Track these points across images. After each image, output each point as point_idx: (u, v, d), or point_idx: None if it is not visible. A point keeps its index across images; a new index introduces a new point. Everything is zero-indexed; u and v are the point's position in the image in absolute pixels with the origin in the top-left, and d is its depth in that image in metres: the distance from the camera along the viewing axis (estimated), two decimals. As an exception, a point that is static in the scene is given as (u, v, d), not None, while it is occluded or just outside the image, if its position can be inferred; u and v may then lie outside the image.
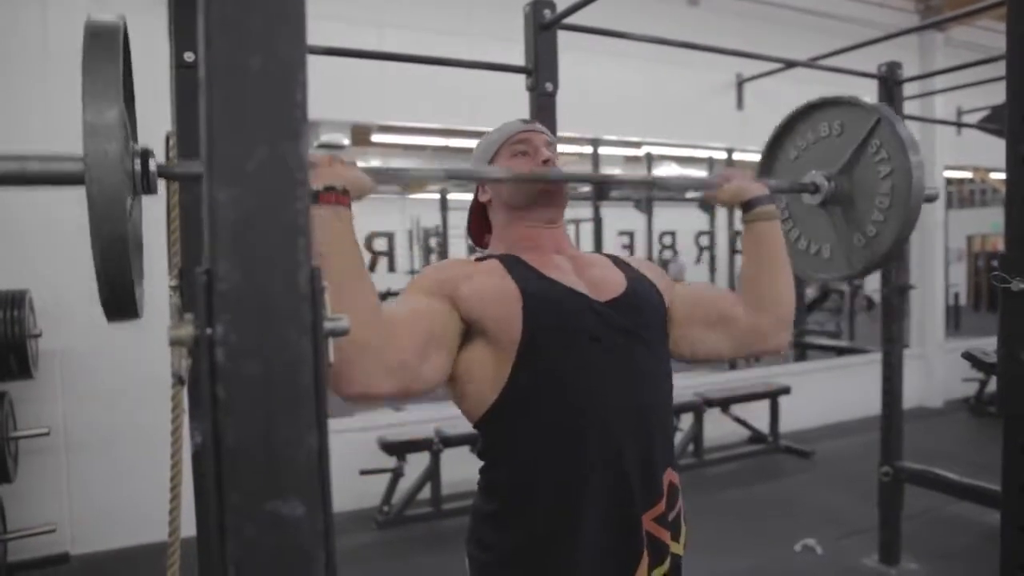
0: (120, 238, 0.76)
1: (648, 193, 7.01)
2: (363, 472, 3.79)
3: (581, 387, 1.09)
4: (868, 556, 3.26)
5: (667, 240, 7.70)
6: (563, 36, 2.30)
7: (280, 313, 0.55)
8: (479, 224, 1.37)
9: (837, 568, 3.22)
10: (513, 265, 1.17)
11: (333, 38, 4.06)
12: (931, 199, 1.53)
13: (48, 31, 3.28)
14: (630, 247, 8.19)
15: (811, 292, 10.35)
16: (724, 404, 4.73)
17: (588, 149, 5.56)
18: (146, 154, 0.86)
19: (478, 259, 1.22)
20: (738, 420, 4.83)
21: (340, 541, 3.69)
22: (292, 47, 0.57)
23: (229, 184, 0.55)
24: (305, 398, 0.56)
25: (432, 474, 3.84)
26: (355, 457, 3.89)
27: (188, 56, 1.86)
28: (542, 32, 2.29)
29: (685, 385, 5.06)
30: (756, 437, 4.95)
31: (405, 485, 3.88)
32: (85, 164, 0.74)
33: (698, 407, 4.58)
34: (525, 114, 2.24)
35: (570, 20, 2.30)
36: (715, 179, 1.40)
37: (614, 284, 1.20)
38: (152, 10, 2.19)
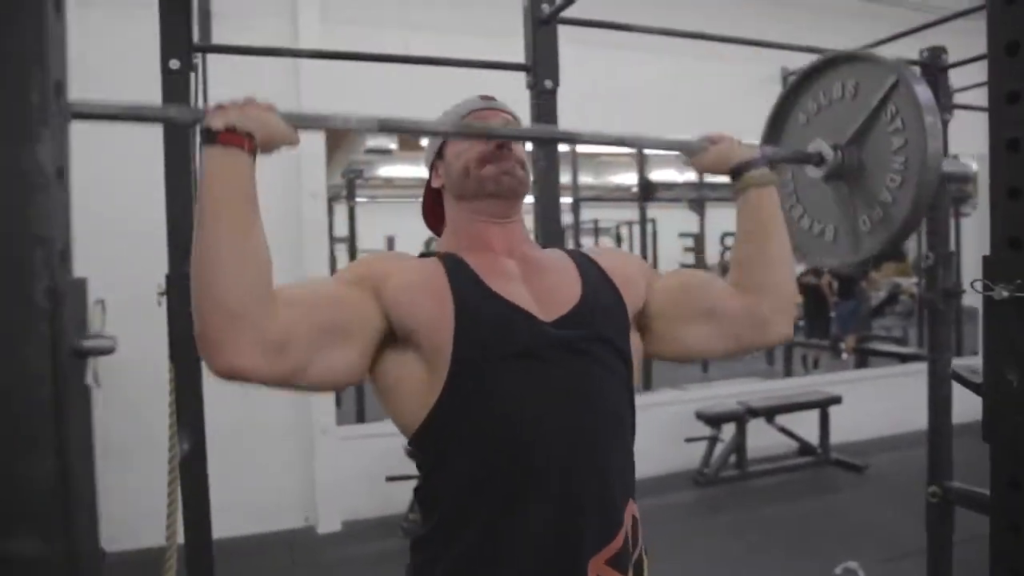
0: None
1: (696, 195, 6.79)
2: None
3: (519, 413, 0.97)
4: (915, 581, 3.03)
5: (729, 241, 7.43)
6: (580, 29, 2.22)
7: (10, 329, 0.50)
8: (435, 211, 1.23)
9: (880, 593, 3.01)
10: (454, 268, 1.04)
11: (358, 42, 4.06)
12: (958, 178, 1.33)
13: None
14: (693, 249, 7.93)
15: (881, 294, 9.86)
16: (769, 414, 4.52)
17: (615, 148, 5.43)
18: None
19: (422, 255, 1.11)
20: (784, 431, 4.60)
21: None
22: (27, 45, 0.51)
23: (-49, 189, 0.50)
24: (41, 421, 0.51)
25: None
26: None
27: (173, 63, 1.86)
28: (541, 27, 2.21)
29: (727, 393, 4.87)
30: (804, 449, 4.71)
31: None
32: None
33: (740, 416, 4.39)
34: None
35: (575, 14, 2.21)
36: (702, 141, 1.24)
37: (567, 295, 1.06)
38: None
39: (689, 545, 3.51)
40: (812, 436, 4.67)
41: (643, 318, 1.15)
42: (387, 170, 8.53)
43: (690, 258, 7.75)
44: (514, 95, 1.19)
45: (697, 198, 7.38)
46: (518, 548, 0.95)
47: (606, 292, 1.09)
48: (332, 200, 9.26)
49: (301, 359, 0.90)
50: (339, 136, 7.30)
